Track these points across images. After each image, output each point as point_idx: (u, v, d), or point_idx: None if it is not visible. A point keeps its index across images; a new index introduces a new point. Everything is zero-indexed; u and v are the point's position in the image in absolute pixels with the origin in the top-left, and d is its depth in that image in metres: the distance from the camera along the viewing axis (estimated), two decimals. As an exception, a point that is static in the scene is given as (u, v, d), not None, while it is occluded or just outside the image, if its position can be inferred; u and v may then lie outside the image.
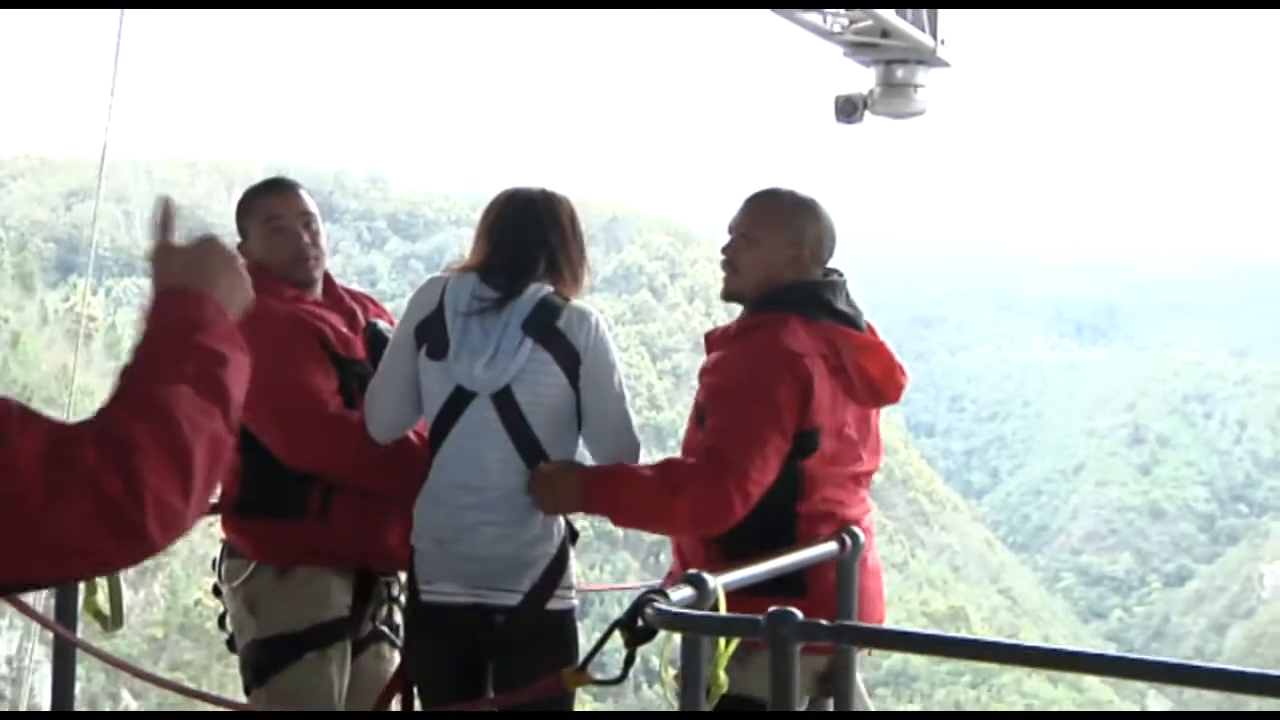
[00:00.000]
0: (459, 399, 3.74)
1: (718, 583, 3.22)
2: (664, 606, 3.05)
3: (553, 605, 3.72)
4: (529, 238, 3.84)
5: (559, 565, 3.74)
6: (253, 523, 4.04)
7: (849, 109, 6.62)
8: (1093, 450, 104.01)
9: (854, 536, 3.83)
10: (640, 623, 3.06)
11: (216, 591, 4.17)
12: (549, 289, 3.79)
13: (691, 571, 3.23)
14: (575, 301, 3.82)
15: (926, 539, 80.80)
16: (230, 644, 4.18)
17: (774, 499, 3.75)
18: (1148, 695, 76.97)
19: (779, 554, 3.62)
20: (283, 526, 3.99)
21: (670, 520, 3.75)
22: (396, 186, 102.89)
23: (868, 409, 3.95)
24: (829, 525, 3.84)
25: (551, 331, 3.72)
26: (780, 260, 3.90)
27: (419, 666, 3.89)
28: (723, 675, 3.17)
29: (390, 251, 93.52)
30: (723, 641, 3.19)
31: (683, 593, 3.15)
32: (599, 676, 3.47)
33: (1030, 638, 58.92)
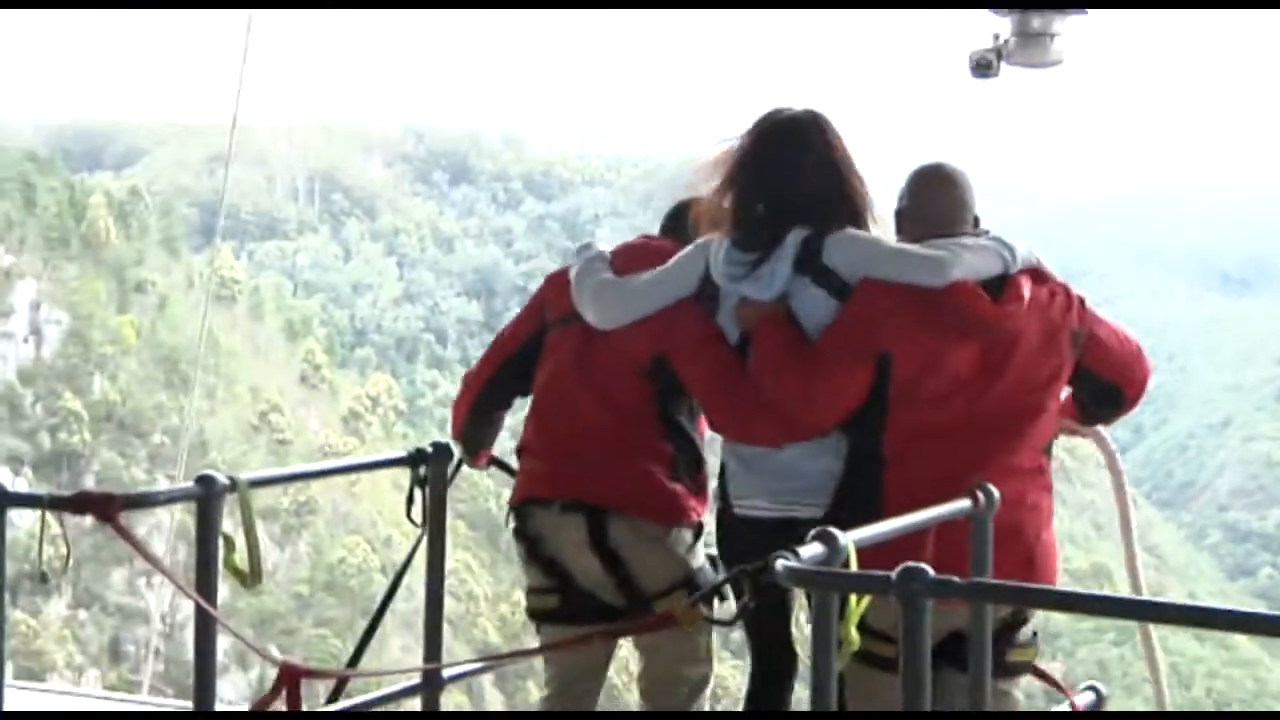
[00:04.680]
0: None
1: (848, 539, 3.20)
2: (792, 563, 3.03)
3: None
4: (780, 190, 4.05)
5: None
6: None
7: (984, 65, 6.50)
8: (1239, 405, 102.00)
9: (988, 494, 3.78)
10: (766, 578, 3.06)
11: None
12: (807, 232, 4.00)
13: (821, 528, 3.21)
14: (835, 234, 4.02)
15: (1069, 496, 79.72)
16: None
17: (860, 433, 4.05)
18: (1300, 654, 75.52)
19: (872, 493, 3.92)
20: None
21: (771, 381, 3.99)
22: (531, 147, 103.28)
23: (996, 357, 4.00)
24: (924, 485, 3.87)
25: (819, 268, 4.00)
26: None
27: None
28: (854, 633, 3.15)
29: (525, 212, 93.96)
30: (854, 598, 3.17)
31: (813, 549, 3.14)
32: (708, 613, 3.52)
33: (1175, 595, 58.01)
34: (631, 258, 4.36)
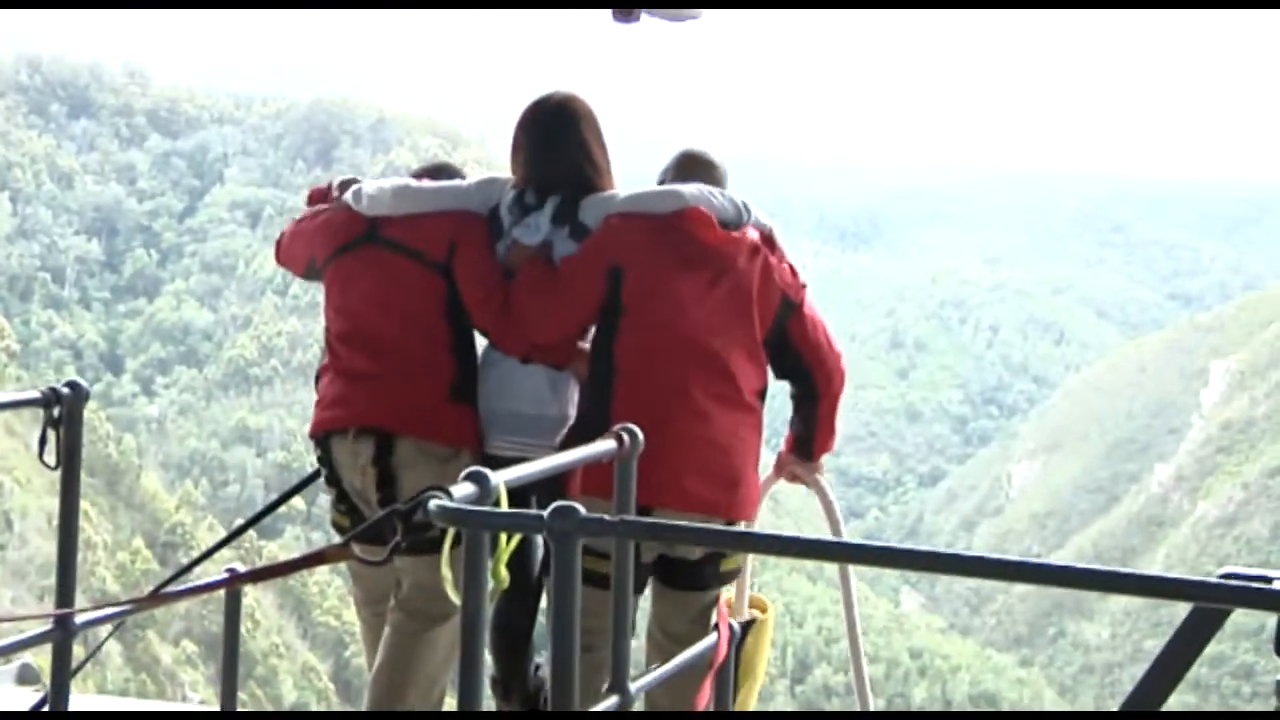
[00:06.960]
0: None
1: (499, 479, 3.25)
2: (445, 503, 3.07)
3: None
4: (553, 157, 4.54)
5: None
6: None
7: (625, 7, 6.63)
8: (853, 354, 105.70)
9: (633, 435, 3.89)
10: (419, 516, 3.10)
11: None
12: (562, 196, 4.50)
13: (473, 469, 3.26)
14: (588, 196, 4.51)
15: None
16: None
17: (596, 347, 4.49)
18: (901, 590, 79.76)
19: (603, 403, 4.34)
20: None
21: (519, 299, 4.47)
22: (157, 81, 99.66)
23: (721, 290, 4.43)
24: (647, 399, 4.31)
25: (576, 224, 4.49)
26: None
27: None
28: (504, 571, 3.21)
29: (150, 148, 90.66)
30: (504, 537, 3.23)
31: (465, 489, 3.17)
32: (359, 552, 3.72)
33: (791, 537, 60.21)
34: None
